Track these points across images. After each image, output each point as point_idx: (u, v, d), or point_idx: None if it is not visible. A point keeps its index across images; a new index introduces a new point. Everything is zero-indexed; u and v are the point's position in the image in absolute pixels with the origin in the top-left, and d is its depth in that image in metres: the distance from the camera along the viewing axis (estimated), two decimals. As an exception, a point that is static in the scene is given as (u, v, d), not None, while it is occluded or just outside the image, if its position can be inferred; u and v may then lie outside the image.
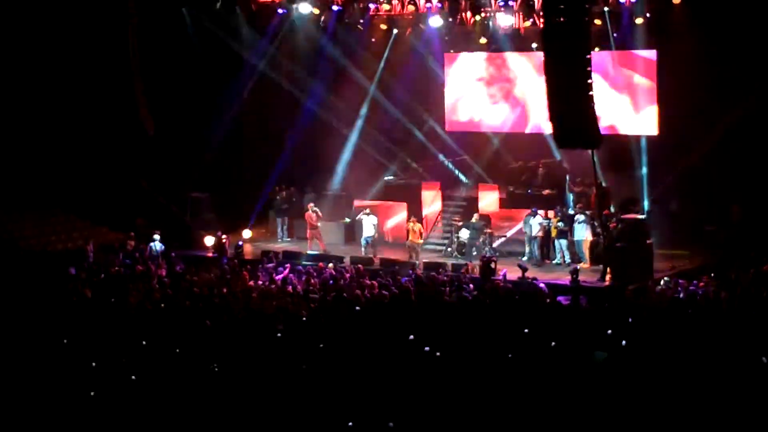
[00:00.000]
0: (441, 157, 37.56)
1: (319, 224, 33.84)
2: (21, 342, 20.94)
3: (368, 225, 32.96)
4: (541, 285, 26.11)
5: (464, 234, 32.19)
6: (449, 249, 32.79)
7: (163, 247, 32.38)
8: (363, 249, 32.69)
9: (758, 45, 30.02)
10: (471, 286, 26.23)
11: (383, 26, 36.42)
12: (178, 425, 16.23)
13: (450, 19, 34.75)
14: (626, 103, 33.72)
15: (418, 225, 32.37)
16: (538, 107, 34.13)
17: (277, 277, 27.72)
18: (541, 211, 31.72)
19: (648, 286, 26.03)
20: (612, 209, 31.07)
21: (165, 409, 16.66)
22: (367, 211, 33.37)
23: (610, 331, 20.68)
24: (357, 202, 35.00)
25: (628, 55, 33.51)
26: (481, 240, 31.68)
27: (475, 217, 32.09)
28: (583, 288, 26.67)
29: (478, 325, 21.46)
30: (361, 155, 37.09)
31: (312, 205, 34.08)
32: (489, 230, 32.17)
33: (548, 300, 24.72)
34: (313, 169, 37.57)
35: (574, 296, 25.02)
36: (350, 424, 15.86)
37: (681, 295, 24.46)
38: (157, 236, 32.44)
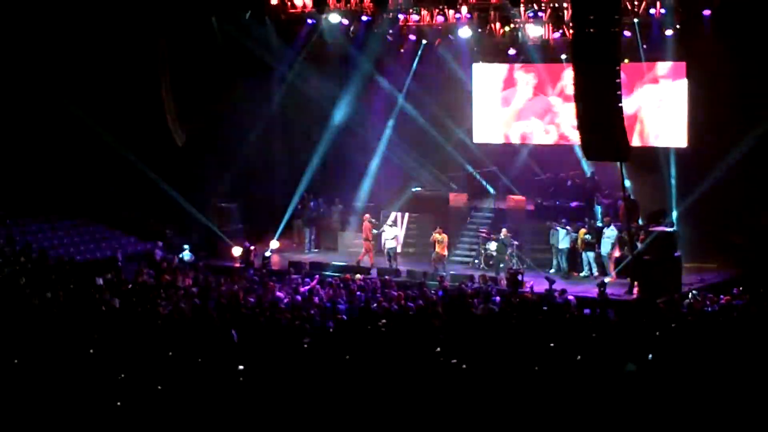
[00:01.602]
0: (469, 168, 37.47)
1: (373, 235, 33.73)
2: (48, 352, 20.97)
3: (390, 236, 32.96)
4: (570, 298, 26.03)
5: (492, 246, 32.14)
6: (476, 261, 32.76)
7: (192, 257, 32.52)
8: (388, 261, 32.71)
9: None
10: (498, 298, 26.15)
11: (412, 37, 36.40)
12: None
13: (479, 30, 34.67)
14: (655, 115, 33.60)
15: (444, 236, 32.31)
16: (567, 119, 34.17)
17: (303, 289, 27.72)
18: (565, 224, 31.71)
19: (676, 299, 25.91)
20: (640, 222, 30.97)
21: (191, 419, 16.66)
22: (390, 222, 33.37)
23: (638, 345, 20.58)
24: (384, 213, 34.95)
25: (657, 66, 33.37)
26: (508, 253, 31.61)
27: (503, 232, 31.95)
28: (611, 301, 26.57)
29: (505, 338, 21.38)
30: (389, 166, 37.08)
31: (368, 216, 34.05)
32: (516, 242, 32.09)
33: (575, 313, 24.62)
34: (341, 180, 37.56)
35: (602, 309, 24.91)
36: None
37: (709, 309, 24.34)
38: (186, 246, 32.60)
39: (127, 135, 34.93)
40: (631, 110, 32.77)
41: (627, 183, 30.16)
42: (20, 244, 32.73)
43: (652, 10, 31.48)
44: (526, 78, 36.33)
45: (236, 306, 25.39)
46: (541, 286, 27.60)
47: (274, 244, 34.73)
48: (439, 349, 20.65)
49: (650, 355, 19.77)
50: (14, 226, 34.34)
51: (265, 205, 36.61)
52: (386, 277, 29.59)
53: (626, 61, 31.32)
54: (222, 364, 19.94)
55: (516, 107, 36.54)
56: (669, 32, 32.11)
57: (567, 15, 32.13)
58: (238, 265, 32.98)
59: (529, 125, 36.35)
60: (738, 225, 31.11)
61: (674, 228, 30.27)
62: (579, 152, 31.94)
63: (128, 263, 32.29)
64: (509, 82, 36.62)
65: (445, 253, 32.19)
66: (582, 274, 31.12)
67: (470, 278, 29.80)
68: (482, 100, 37.13)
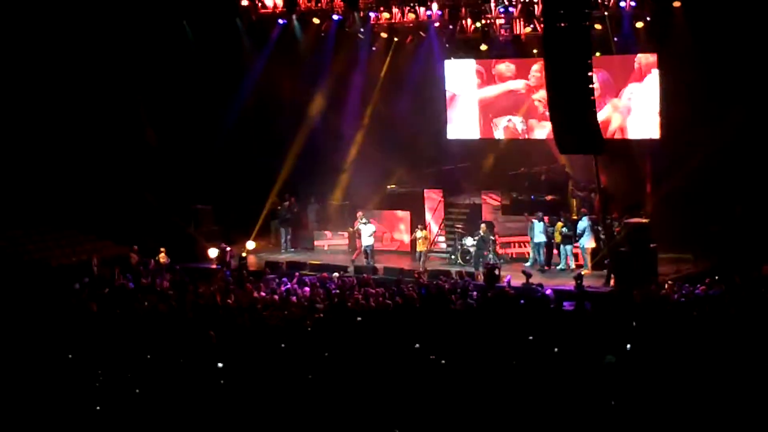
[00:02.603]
0: (443, 164, 37.49)
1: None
2: (26, 356, 20.91)
3: (366, 234, 32.98)
4: (548, 291, 26.11)
5: (468, 241, 32.21)
6: (453, 256, 32.82)
7: (168, 259, 32.48)
8: (365, 258, 32.73)
9: (758, 46, 29.99)
10: (475, 293, 26.19)
11: (384, 35, 36.45)
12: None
13: (450, 27, 34.75)
14: (628, 107, 33.66)
15: (425, 232, 32.47)
16: (540, 113, 34.25)
17: (281, 288, 27.71)
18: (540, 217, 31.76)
19: (652, 290, 26.00)
20: (615, 214, 31.07)
21: (170, 421, 16.63)
22: (364, 220, 33.38)
23: (615, 336, 20.64)
24: (360, 212, 34.95)
25: (629, 59, 33.45)
26: (486, 247, 31.71)
27: (482, 228, 31.99)
28: (588, 293, 26.64)
29: (483, 332, 21.42)
30: (364, 164, 37.05)
31: (361, 213, 34.05)
32: (493, 237, 32.17)
33: (553, 306, 24.69)
34: (317, 179, 37.54)
35: (579, 302, 24.99)
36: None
37: (684, 299, 24.45)
38: (162, 249, 32.56)
39: (100, 137, 34.81)
40: (604, 103, 32.85)
41: (601, 175, 30.24)
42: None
43: (622, 3, 31.57)
44: (497, 73, 36.31)
45: (213, 307, 25.37)
46: (518, 280, 27.65)
47: (250, 244, 34.67)
48: (417, 345, 20.67)
49: (628, 346, 19.84)
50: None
51: (240, 206, 36.52)
52: (364, 275, 29.60)
53: (597, 54, 31.39)
54: (201, 366, 19.92)
55: (488, 102, 36.50)
56: (640, 24, 32.20)
57: (538, 10, 32.26)
58: (214, 266, 32.93)
59: (502, 120, 36.30)
60: (713, 215, 31.19)
61: (649, 219, 30.36)
62: (553, 146, 32.05)
63: (104, 267, 32.19)
64: (481, 78, 36.58)
65: (424, 249, 32.31)
66: (559, 267, 31.19)
67: (447, 274, 29.83)
68: (455, 96, 37.12)
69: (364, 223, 33.17)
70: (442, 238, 34.52)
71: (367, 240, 32.93)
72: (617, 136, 33.49)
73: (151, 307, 25.62)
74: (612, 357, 18.72)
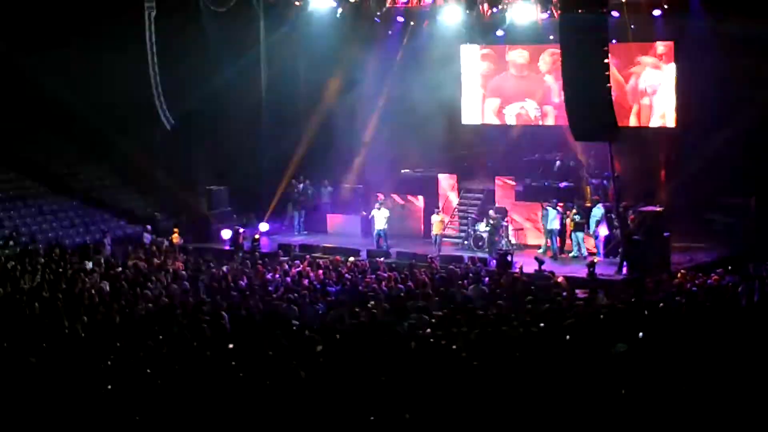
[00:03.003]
0: (458, 149, 37.47)
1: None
2: (37, 337, 20.98)
3: (380, 218, 32.99)
4: (560, 279, 26.09)
5: (481, 227, 32.21)
6: (466, 242, 32.82)
7: (181, 240, 32.57)
8: (375, 242, 32.73)
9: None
10: (487, 279, 26.19)
11: (400, 18, 36.40)
12: (193, 421, 16.21)
13: (467, 12, 34.70)
14: (643, 95, 33.58)
15: (441, 215, 32.66)
16: (556, 99, 34.17)
17: (293, 271, 27.74)
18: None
19: (664, 279, 25.97)
20: (629, 202, 31.02)
21: (180, 404, 16.66)
22: (379, 204, 33.38)
23: (627, 324, 20.62)
24: (374, 195, 34.98)
25: (645, 46, 33.36)
26: (499, 233, 31.71)
27: (491, 215, 32.01)
28: (600, 281, 26.61)
29: (495, 319, 21.41)
30: (378, 148, 37.07)
31: (381, 197, 34.11)
32: (505, 222, 32.18)
33: (565, 293, 24.66)
34: (331, 162, 37.56)
35: (591, 289, 24.97)
36: (368, 418, 15.86)
37: (697, 288, 24.40)
38: (175, 229, 32.64)
39: (116, 118, 34.87)
40: (620, 90, 32.78)
41: (616, 163, 30.18)
42: (9, 229, 32.72)
43: (639, -10, 31.55)
44: (513, 59, 36.25)
45: (226, 289, 25.43)
46: (530, 267, 27.64)
47: (264, 226, 34.75)
48: (429, 331, 20.69)
49: (640, 335, 19.82)
50: (2, 210, 34.27)
51: (254, 188, 36.58)
52: (376, 258, 29.62)
53: (614, 41, 31.31)
54: (212, 347, 19.97)
55: (504, 88, 36.46)
56: (657, 12, 32.12)
57: (555, -4, 32.20)
58: (227, 247, 33.00)
59: (516, 106, 36.24)
60: (726, 205, 31.13)
61: (663, 208, 30.30)
62: (568, 133, 31.99)
63: (117, 246, 32.30)
64: (497, 63, 36.54)
65: (440, 233, 32.45)
66: (571, 255, 31.16)
67: (459, 259, 29.84)
68: (471, 82, 37.05)
69: (378, 208, 33.17)
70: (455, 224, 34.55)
71: (380, 224, 32.92)
72: (632, 123, 33.41)
73: (163, 287, 25.67)
74: (623, 345, 18.71)
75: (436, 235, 32.53)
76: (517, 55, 36.05)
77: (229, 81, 36.01)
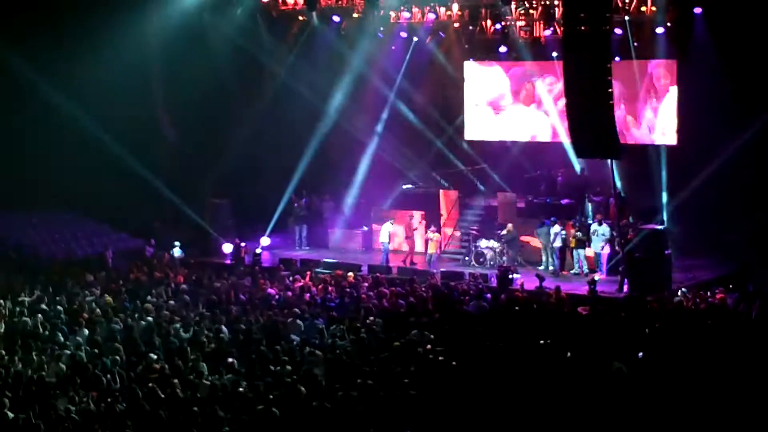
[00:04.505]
0: (460, 165, 37.50)
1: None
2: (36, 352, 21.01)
3: (385, 233, 33.01)
4: (561, 295, 26.08)
5: (483, 243, 32.21)
6: (467, 258, 32.79)
7: (182, 253, 32.57)
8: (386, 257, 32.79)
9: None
10: (489, 295, 26.18)
11: (403, 34, 36.46)
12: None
13: (470, 28, 34.76)
14: (646, 113, 33.60)
15: (438, 235, 32.58)
16: (558, 116, 34.20)
17: (294, 285, 27.74)
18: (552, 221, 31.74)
19: (665, 297, 25.96)
20: (631, 219, 31.02)
21: (180, 416, 16.67)
22: (391, 220, 33.44)
23: (628, 342, 20.63)
24: (375, 211, 34.99)
25: (648, 64, 33.40)
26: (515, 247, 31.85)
27: (508, 227, 32.06)
28: (601, 298, 26.60)
29: (495, 335, 21.43)
30: (380, 163, 37.10)
31: (412, 213, 34.04)
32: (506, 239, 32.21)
33: (566, 310, 24.66)
34: (333, 177, 37.58)
35: (593, 306, 24.96)
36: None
37: (698, 307, 24.41)
38: (177, 243, 32.64)
39: (118, 130, 34.86)
40: (622, 108, 32.83)
41: (618, 180, 30.19)
42: (13, 241, 32.78)
43: (643, 8, 31.65)
44: (516, 75, 36.33)
45: (227, 303, 25.44)
46: (531, 284, 27.65)
47: (265, 240, 34.73)
48: (429, 346, 20.70)
49: (640, 354, 19.83)
50: (3, 222, 34.30)
51: (256, 202, 36.56)
52: (377, 274, 29.61)
53: (617, 58, 31.38)
54: (212, 361, 20.00)
55: (507, 105, 36.53)
56: (660, 30, 32.17)
57: (558, 13, 32.21)
58: (228, 261, 33.00)
59: (519, 122, 36.32)
60: (729, 224, 31.12)
61: (665, 226, 30.30)
62: (570, 150, 32.04)
63: (119, 260, 32.30)
64: (500, 79, 36.60)
65: (438, 251, 32.39)
66: (572, 272, 31.15)
67: (460, 275, 29.82)
68: (473, 98, 37.10)
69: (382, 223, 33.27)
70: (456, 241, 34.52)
71: (383, 238, 32.93)
72: (634, 141, 33.46)
73: (164, 301, 25.71)
74: (620, 364, 18.74)
75: (431, 254, 32.35)
76: (521, 72, 36.08)
77: (231, 94, 36.07)
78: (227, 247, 33.52)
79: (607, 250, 30.52)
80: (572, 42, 26.75)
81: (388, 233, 33.01)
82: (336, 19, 35.56)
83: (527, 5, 33.31)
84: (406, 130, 37.15)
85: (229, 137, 36.42)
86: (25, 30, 33.73)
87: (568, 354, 19.95)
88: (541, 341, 20.91)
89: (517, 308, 24.48)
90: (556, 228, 31.26)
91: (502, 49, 35.31)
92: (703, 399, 16.83)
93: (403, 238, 33.92)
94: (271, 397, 17.38)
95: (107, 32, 33.90)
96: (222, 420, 16.49)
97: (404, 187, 36.77)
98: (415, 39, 36.60)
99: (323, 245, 35.88)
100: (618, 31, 31.51)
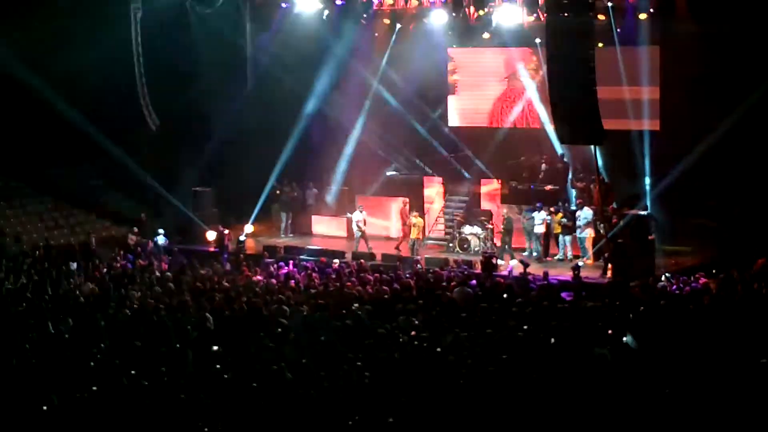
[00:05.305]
0: (443, 152, 37.49)
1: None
2: (20, 340, 20.92)
3: (354, 222, 33.06)
4: (554, 281, 26.18)
5: (467, 230, 32.23)
6: (451, 245, 32.81)
7: (166, 241, 32.52)
8: (356, 244, 32.78)
9: (761, 41, 29.95)
10: (474, 282, 26.18)
11: (386, 21, 36.44)
12: (178, 423, 16.20)
13: (453, 14, 34.72)
14: (629, 99, 33.61)
15: (421, 220, 32.47)
16: (541, 103, 34.22)
17: (279, 272, 27.73)
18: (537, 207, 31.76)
19: (649, 282, 26.01)
20: (614, 205, 31.07)
21: (165, 405, 16.64)
22: (360, 207, 33.48)
23: (611, 328, 20.67)
24: (359, 198, 34.98)
25: (631, 51, 33.41)
26: (483, 236, 31.80)
27: (505, 211, 32.15)
28: (585, 284, 26.66)
29: (480, 321, 21.43)
30: (364, 150, 37.07)
31: (406, 200, 34.33)
32: (490, 226, 32.21)
33: (551, 295, 24.68)
34: (316, 164, 37.54)
35: (576, 292, 25.00)
36: (352, 420, 15.88)
37: (681, 292, 24.47)
38: (160, 231, 32.59)
39: (101, 118, 34.74)
40: (605, 94, 32.81)
41: (601, 166, 30.23)
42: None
43: (626, -6, 31.65)
44: (500, 62, 36.35)
45: (211, 290, 25.41)
46: (516, 270, 27.71)
47: (249, 228, 34.68)
48: (413, 333, 20.70)
49: (624, 339, 19.87)
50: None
51: (239, 190, 36.50)
52: (361, 261, 29.61)
53: (600, 45, 31.40)
54: (197, 349, 19.95)
55: (490, 91, 36.55)
56: (643, 16, 32.19)
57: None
58: (212, 249, 32.98)
59: (503, 109, 36.35)
60: (711, 209, 31.18)
61: (648, 211, 30.37)
62: (553, 136, 32.08)
63: (102, 248, 32.24)
64: (483, 66, 36.61)
65: (421, 237, 32.33)
66: (557, 258, 31.19)
67: (445, 262, 29.86)
68: (456, 84, 37.10)
69: (360, 211, 33.21)
70: (440, 227, 34.51)
71: (359, 225, 32.94)
72: (618, 127, 33.47)
73: (148, 289, 25.66)
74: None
75: (415, 239, 32.23)
76: (504, 58, 36.12)
77: (214, 81, 35.98)
78: (211, 235, 33.47)
79: (591, 235, 30.53)
80: (555, 29, 26.77)
81: (356, 222, 33.00)
82: (319, 5, 35.46)
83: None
84: (390, 117, 37.10)
85: (213, 125, 36.35)
86: (6, 19, 33.55)
87: (552, 340, 19.96)
88: (525, 327, 20.91)
89: (505, 296, 24.46)
90: (542, 214, 31.28)
91: (486, 35, 35.27)
92: (688, 383, 16.87)
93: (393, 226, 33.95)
94: (256, 384, 17.36)
95: (88, 20, 33.75)
96: (207, 407, 16.47)
97: (388, 174, 36.77)
98: (399, 26, 36.54)
99: (306, 233, 35.88)
100: (601, 17, 31.53)
